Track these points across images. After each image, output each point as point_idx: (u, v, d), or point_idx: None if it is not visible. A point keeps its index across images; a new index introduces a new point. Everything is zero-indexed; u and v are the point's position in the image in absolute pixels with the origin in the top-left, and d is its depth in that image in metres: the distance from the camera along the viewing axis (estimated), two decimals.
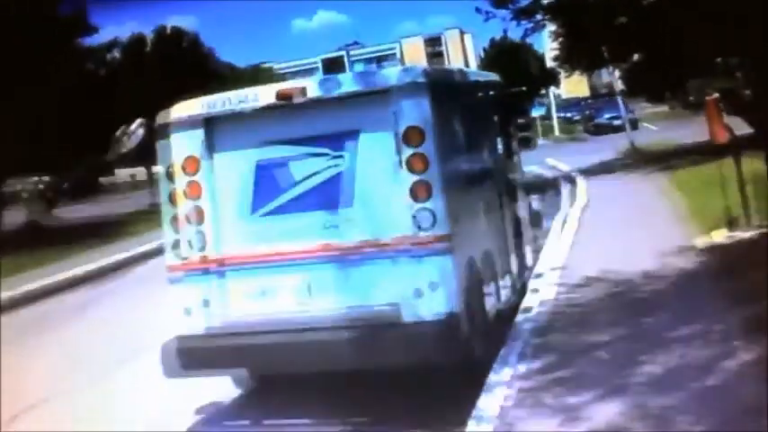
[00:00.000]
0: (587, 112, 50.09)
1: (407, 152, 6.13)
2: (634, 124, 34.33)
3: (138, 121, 27.14)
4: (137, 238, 20.61)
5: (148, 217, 26.19)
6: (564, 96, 70.75)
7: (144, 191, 37.15)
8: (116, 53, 31.59)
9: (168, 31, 38.77)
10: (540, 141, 28.72)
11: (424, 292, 6.09)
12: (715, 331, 6.70)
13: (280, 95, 6.50)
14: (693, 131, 25.23)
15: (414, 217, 6.12)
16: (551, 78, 60.39)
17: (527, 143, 10.42)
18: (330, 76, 6.67)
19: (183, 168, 6.72)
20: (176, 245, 6.72)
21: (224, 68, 45.20)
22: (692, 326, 6.88)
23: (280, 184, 6.54)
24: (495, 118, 8.92)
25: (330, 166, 6.41)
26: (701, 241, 10.22)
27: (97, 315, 12.39)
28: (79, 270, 16.12)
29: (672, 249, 9.82)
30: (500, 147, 8.92)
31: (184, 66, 35.04)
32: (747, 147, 11.12)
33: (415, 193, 6.13)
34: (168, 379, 6.73)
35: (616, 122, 36.37)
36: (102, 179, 45.97)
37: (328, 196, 6.42)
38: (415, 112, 6.13)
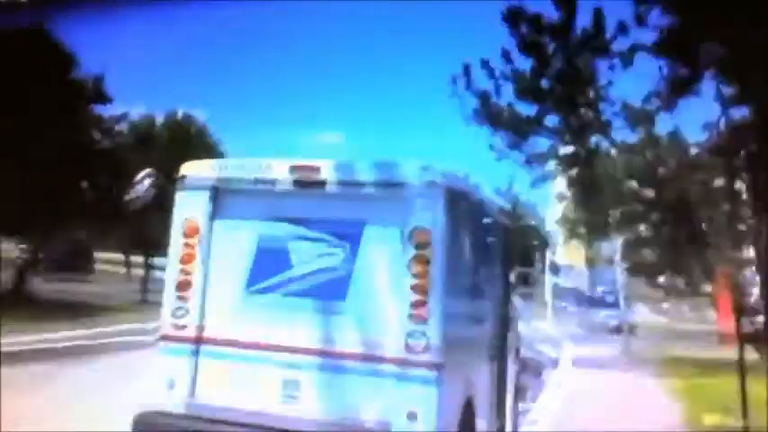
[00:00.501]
0: (583, 308, 49.16)
1: (411, 253, 5.98)
2: (632, 329, 32.35)
3: (146, 171, 27.01)
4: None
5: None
6: (560, 262, 70.88)
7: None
8: (123, 127, 31.76)
9: (179, 116, 39.36)
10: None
11: (416, 417, 5.82)
12: None
13: (293, 170, 6.45)
14: (690, 343, 24.68)
15: (408, 335, 5.91)
16: (547, 245, 60.54)
17: (526, 279, 10.18)
18: (347, 161, 6.64)
19: (183, 230, 6.62)
20: (174, 309, 6.53)
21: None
22: None
23: (277, 263, 6.38)
24: (499, 249, 8.62)
25: (330, 254, 6.28)
26: None
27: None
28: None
29: None
30: (500, 284, 8.62)
31: (189, 150, 35.35)
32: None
33: (414, 311, 5.92)
34: None
35: (613, 322, 34.61)
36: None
37: (323, 286, 6.26)
38: (428, 213, 6.02)
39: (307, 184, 6.41)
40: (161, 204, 7.46)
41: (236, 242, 6.52)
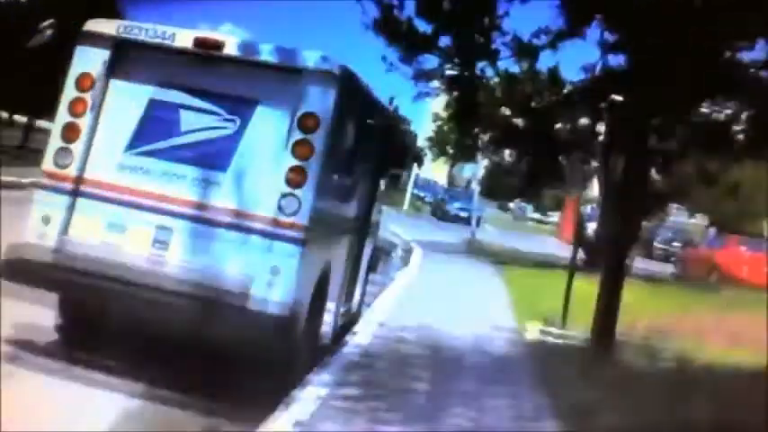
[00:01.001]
0: (440, 197, 51.42)
1: (297, 136, 6.19)
2: (478, 221, 35.69)
3: (49, 21, 25.71)
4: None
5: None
6: (422, 175, 72.58)
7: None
8: None
9: None
10: (386, 209, 29.04)
11: (278, 272, 6.11)
12: (526, 409, 7.15)
13: (197, 42, 6.45)
14: (530, 243, 26.78)
15: (280, 199, 6.16)
16: (417, 157, 61.89)
17: (396, 180, 10.67)
18: (252, 40, 6.68)
19: (77, 83, 6.54)
20: (57, 153, 6.48)
21: None
22: (502, 400, 7.29)
23: (165, 128, 6.43)
24: (378, 145, 8.91)
25: (218, 127, 6.38)
26: (515, 326, 10.84)
27: None
28: None
29: (490, 327, 10.36)
30: (372, 175, 9.08)
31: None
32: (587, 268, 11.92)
33: (289, 178, 6.17)
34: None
35: (464, 214, 37.75)
36: None
37: (207, 156, 6.37)
38: (320, 100, 6.21)
39: (208, 57, 6.45)
40: (59, 50, 7.25)
41: (127, 103, 6.52)
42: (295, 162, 6.19)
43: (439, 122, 50.48)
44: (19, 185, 15.85)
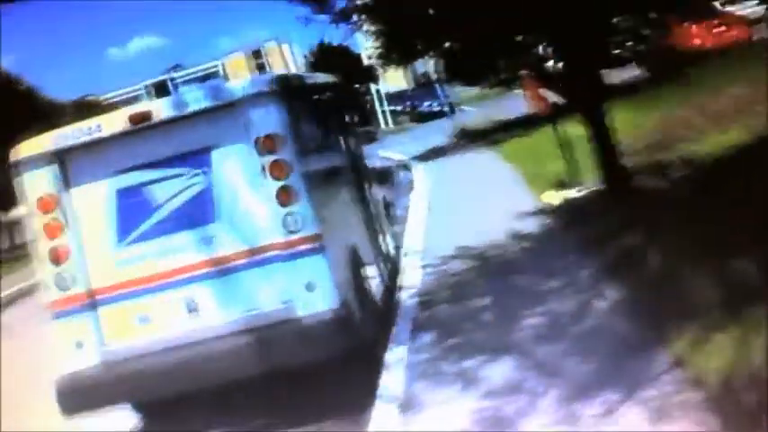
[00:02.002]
0: (409, 103, 51.14)
1: (267, 159, 6.05)
2: (452, 108, 35.55)
3: None
4: None
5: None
6: (386, 90, 71.93)
7: None
8: None
9: None
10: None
11: (314, 286, 6.04)
12: (582, 278, 7.04)
13: (132, 119, 6.27)
14: (509, 107, 26.48)
15: (283, 221, 6.05)
16: (370, 76, 61.29)
17: (369, 137, 10.54)
18: (177, 95, 6.46)
19: (39, 207, 6.37)
20: (56, 278, 6.35)
21: (47, 105, 43.15)
22: (559, 277, 7.19)
23: (143, 209, 6.29)
24: (338, 117, 8.97)
25: (189, 186, 6.24)
26: (541, 203, 10.72)
27: None
28: None
29: (515, 214, 10.22)
30: (347, 144, 8.98)
31: (7, 105, 33.18)
32: (563, 114, 11.71)
33: (280, 199, 6.06)
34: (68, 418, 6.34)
35: (437, 108, 37.61)
36: None
37: (191, 216, 6.24)
38: (268, 120, 6.05)
39: (144, 129, 6.25)
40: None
41: (96, 204, 6.37)
42: (278, 183, 6.07)
43: (375, 38, 49.71)
44: None
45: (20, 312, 15.28)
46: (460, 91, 51.03)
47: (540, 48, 15.06)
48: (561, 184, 11.04)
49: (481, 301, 7.28)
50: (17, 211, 22.40)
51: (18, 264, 21.07)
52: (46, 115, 35.66)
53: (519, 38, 18.54)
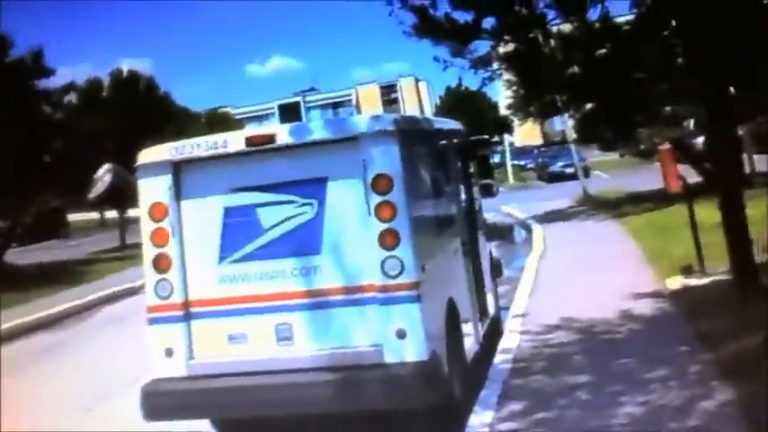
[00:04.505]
0: (541, 160, 50.82)
1: (376, 199, 6.18)
2: (586, 172, 35.04)
3: (105, 166, 27.24)
4: (96, 281, 20.59)
5: (106, 259, 26.38)
6: (517, 144, 71.77)
7: (92, 237, 37.28)
8: (72, 96, 31.35)
9: (124, 74, 38.71)
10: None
11: (404, 334, 6.12)
12: (691, 372, 6.85)
13: (250, 142, 6.54)
14: (643, 179, 25.91)
15: (382, 264, 6.16)
16: (505, 126, 61.43)
17: (489, 190, 10.59)
18: (300, 123, 6.71)
19: (150, 214, 6.71)
20: (156, 285, 6.67)
21: (181, 112, 45.24)
22: (666, 367, 7.01)
23: (247, 231, 6.53)
24: (459, 165, 9.07)
25: (298, 214, 6.44)
26: (661, 286, 10.45)
27: (63, 359, 12.29)
28: (37, 315, 15.89)
29: (631, 294, 10.02)
30: (464, 194, 9.06)
31: (141, 109, 35.02)
32: (699, 195, 11.43)
33: (383, 241, 6.17)
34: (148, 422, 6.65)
35: (569, 170, 37.10)
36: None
37: (296, 244, 6.43)
38: (385, 159, 6.19)
39: (264, 151, 6.50)
40: (122, 192, 7.53)
41: (205, 218, 6.65)
42: (383, 225, 6.19)
43: (514, 88, 49.82)
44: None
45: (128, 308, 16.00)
46: (596, 155, 50.41)
47: (691, 122, 14.73)
48: (685, 269, 10.73)
49: (579, 378, 7.17)
50: (134, 212, 23.53)
51: (129, 262, 22.08)
52: (178, 122, 37.52)
53: (668, 108, 18.21)
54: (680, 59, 11.72)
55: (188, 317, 6.62)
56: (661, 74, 12.57)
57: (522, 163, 56.92)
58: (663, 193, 12.28)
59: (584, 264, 13.74)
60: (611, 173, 40.30)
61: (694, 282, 10.33)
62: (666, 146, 11.26)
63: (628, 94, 13.97)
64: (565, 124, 32.15)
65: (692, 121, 26.01)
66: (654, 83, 13.26)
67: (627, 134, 25.00)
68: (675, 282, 10.51)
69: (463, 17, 12.15)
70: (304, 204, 6.43)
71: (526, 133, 72.47)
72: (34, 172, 24.54)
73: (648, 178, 24.45)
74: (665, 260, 11.85)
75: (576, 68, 15.35)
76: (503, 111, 67.85)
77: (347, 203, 6.32)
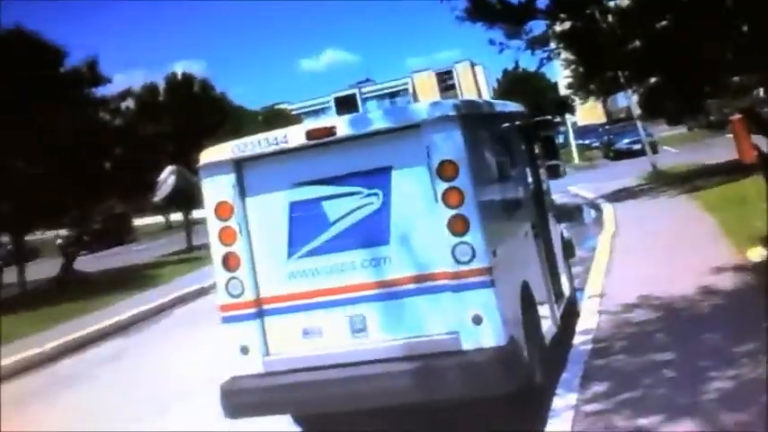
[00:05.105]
0: (606, 138, 50.10)
1: (442, 186, 6.16)
2: (654, 148, 34.36)
3: (169, 168, 27.78)
4: (165, 285, 21.05)
5: (174, 262, 26.92)
6: (580, 123, 70.91)
7: (159, 240, 38.11)
8: (130, 102, 32.04)
9: (179, 77, 39.35)
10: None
11: (481, 320, 6.10)
12: None
13: (310, 135, 6.57)
14: (714, 152, 25.41)
15: (453, 251, 6.14)
16: (566, 106, 60.73)
17: (556, 171, 10.46)
18: (360, 113, 6.70)
19: (216, 213, 6.80)
20: (227, 284, 6.76)
21: (237, 111, 45.81)
22: (754, 341, 6.86)
23: (314, 225, 6.56)
24: (524, 147, 9.00)
25: (364, 205, 6.44)
26: (742, 259, 10.23)
27: (137, 361, 12.66)
28: (110, 321, 16.31)
29: (710, 269, 9.83)
30: (530, 176, 8.99)
31: (198, 110, 35.57)
32: None
33: (452, 227, 6.15)
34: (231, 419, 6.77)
35: (636, 147, 36.44)
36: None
37: (364, 235, 6.44)
38: (448, 145, 6.15)
39: (326, 144, 6.53)
40: (186, 194, 7.66)
41: (271, 215, 6.69)
42: (451, 211, 6.16)
43: (573, 66, 49.27)
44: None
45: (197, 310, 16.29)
46: (663, 130, 49.49)
47: (760, 91, 14.42)
48: (766, 240, 10.47)
49: (663, 356, 7.06)
50: (198, 213, 24.00)
51: (197, 263, 22.50)
52: (235, 122, 38.03)
53: (736, 78, 17.78)
54: (744, 27, 11.46)
55: (261, 314, 6.69)
56: (725, 42, 12.31)
57: (587, 142, 56.25)
58: (737, 165, 11.98)
59: (658, 240, 13.51)
60: (681, 147, 39.55)
61: None
62: (737, 116, 11.01)
63: (693, 65, 13.73)
64: (629, 100, 31.57)
65: (761, 90, 25.38)
66: (719, 52, 12.98)
67: (695, 106, 24.66)
68: (757, 253, 10.26)
69: None
70: (369, 195, 6.43)
71: (588, 112, 71.53)
72: (97, 179, 25.15)
73: (720, 151, 24.01)
74: (744, 232, 11.56)
75: (636, 43, 15.12)
76: (563, 91, 67.17)
77: (413, 191, 6.31)
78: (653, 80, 21.80)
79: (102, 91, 27.61)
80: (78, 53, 27.81)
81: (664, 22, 12.85)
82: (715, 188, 18.56)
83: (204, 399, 7.74)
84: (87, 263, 28.74)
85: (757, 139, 11.26)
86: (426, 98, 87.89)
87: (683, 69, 13.62)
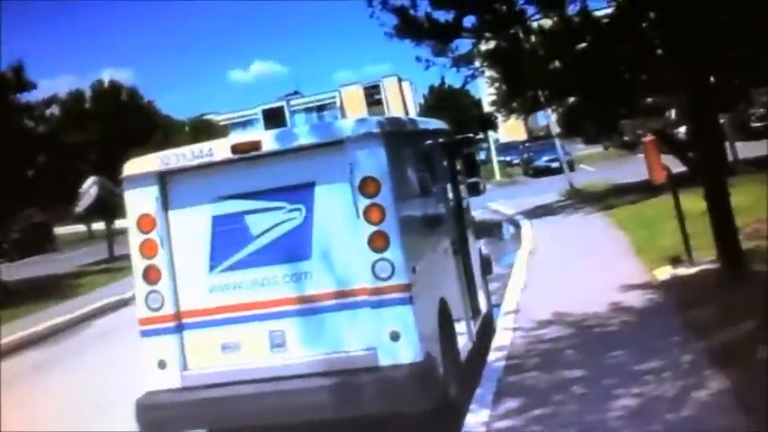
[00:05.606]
0: (526, 156, 50.93)
1: (364, 202, 6.17)
2: (571, 166, 35.16)
3: (91, 179, 27.19)
4: (85, 295, 20.52)
5: (95, 272, 26.28)
6: (502, 140, 71.93)
7: (80, 250, 37.26)
8: (55, 109, 31.26)
9: (106, 85, 38.61)
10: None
11: (398, 336, 6.11)
12: (684, 362, 6.87)
13: (235, 149, 6.52)
14: (628, 171, 26.05)
15: (373, 267, 6.15)
16: (490, 123, 61.50)
17: (476, 189, 10.60)
18: (285, 128, 6.69)
19: (138, 226, 6.69)
20: (147, 297, 6.64)
21: (164, 120, 45.11)
22: (659, 359, 7.03)
23: (237, 239, 6.51)
24: (446, 164, 9.08)
25: (287, 220, 6.42)
26: (650, 278, 10.49)
27: (56, 375, 12.24)
28: (29, 331, 15.83)
29: (620, 286, 10.07)
30: (451, 193, 9.07)
31: (124, 119, 34.94)
32: (684, 184, 11.47)
33: (372, 244, 6.16)
34: None
35: (554, 165, 37.20)
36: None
37: (286, 250, 6.41)
38: (371, 162, 6.18)
39: (250, 159, 6.48)
40: (108, 204, 7.51)
41: (193, 228, 6.62)
42: (372, 228, 6.18)
43: (497, 84, 49.97)
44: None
45: (117, 321, 15.94)
46: (580, 149, 50.51)
47: (672, 112, 14.82)
48: (673, 260, 10.78)
49: (573, 373, 7.18)
50: (121, 223, 23.52)
51: (119, 274, 22.01)
52: (162, 132, 37.41)
53: (649, 99, 18.24)
54: (659, 50, 11.81)
55: (180, 328, 6.60)
56: (641, 65, 12.67)
57: (508, 159, 57.04)
58: (648, 185, 12.31)
59: (572, 258, 13.78)
60: (596, 166, 40.50)
61: (683, 271, 10.38)
62: (649, 137, 11.31)
63: (609, 86, 14.06)
64: (548, 119, 32.23)
65: (673, 111, 26.19)
66: (635, 74, 13.36)
67: (610, 126, 25.25)
68: (664, 272, 10.55)
69: (444, 16, 12.17)
70: (292, 210, 6.42)
71: (511, 129, 72.62)
72: (18, 187, 24.45)
73: (633, 170, 24.62)
74: (653, 251, 11.91)
75: (557, 63, 15.40)
76: (486, 108, 68.06)
77: (335, 207, 6.31)
78: (571, 100, 22.25)
79: (26, 97, 26.96)
80: (3, 58, 26.91)
81: (583, 44, 13.10)
82: (628, 206, 19.08)
83: (119, 414, 7.54)
84: (5, 272, 27.83)
85: (668, 160, 11.58)
86: (354, 112, 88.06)
87: (599, 90, 13.94)
